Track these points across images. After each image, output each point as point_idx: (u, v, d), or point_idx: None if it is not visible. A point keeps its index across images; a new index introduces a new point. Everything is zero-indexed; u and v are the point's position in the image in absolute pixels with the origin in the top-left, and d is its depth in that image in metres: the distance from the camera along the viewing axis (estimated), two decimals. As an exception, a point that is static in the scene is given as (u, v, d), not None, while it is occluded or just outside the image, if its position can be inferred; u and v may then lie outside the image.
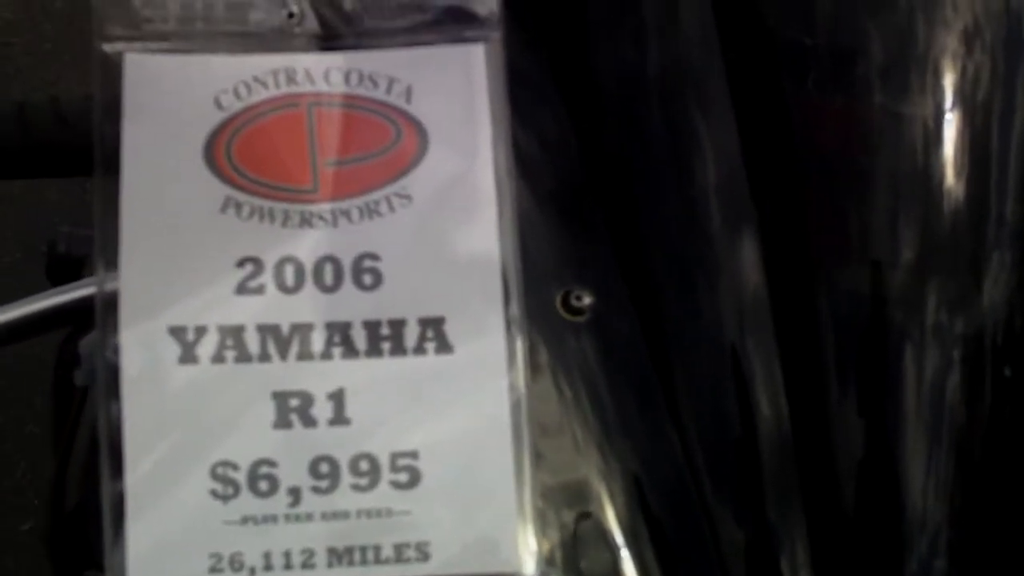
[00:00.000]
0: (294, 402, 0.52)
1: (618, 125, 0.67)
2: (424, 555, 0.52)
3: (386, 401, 0.53)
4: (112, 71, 0.53)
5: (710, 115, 0.66)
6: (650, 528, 0.61)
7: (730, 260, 0.64)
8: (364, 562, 0.52)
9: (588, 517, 0.60)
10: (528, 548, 0.52)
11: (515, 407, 0.54)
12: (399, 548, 0.52)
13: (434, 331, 0.54)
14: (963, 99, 0.67)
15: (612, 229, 0.66)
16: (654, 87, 0.67)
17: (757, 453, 0.63)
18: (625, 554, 0.60)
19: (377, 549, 0.52)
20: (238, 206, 0.53)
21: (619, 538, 0.60)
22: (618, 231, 0.66)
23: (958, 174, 0.66)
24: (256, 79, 0.55)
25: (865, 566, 0.62)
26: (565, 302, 0.63)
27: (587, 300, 0.63)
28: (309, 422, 0.52)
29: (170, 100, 0.54)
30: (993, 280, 0.65)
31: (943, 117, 0.66)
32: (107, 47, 0.54)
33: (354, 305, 0.54)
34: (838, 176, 0.66)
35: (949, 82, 0.67)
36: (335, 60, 0.55)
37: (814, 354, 0.64)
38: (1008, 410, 0.65)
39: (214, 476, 0.51)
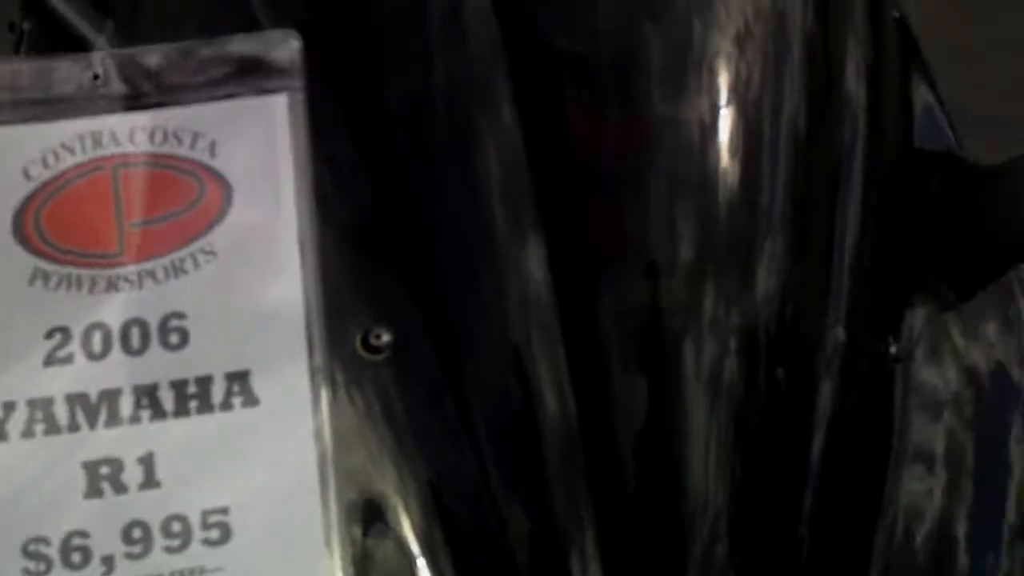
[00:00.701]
0: (104, 470, 0.53)
1: (406, 156, 0.68)
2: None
3: (195, 460, 0.54)
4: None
5: (497, 134, 0.67)
6: (445, 533, 0.62)
7: (517, 272, 0.66)
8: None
9: (388, 534, 0.61)
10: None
11: (321, 456, 0.54)
12: (213, 605, 0.53)
13: (240, 385, 0.54)
14: (735, 100, 0.69)
15: (405, 263, 0.67)
16: (440, 114, 0.68)
17: (544, 451, 0.65)
18: (422, 563, 0.61)
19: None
20: (46, 277, 0.54)
21: (415, 548, 0.61)
22: (411, 262, 0.67)
23: (731, 172, 0.68)
24: (63, 145, 0.55)
25: (650, 553, 0.64)
26: (365, 342, 0.64)
27: (385, 338, 0.64)
28: (120, 488, 0.53)
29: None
30: (767, 270, 0.67)
31: (717, 119, 0.68)
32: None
33: (161, 366, 0.54)
34: (618, 181, 0.67)
35: (722, 84, 0.68)
36: (140, 119, 0.55)
37: (599, 353, 0.65)
38: (784, 397, 0.68)
39: (26, 554, 0.52)
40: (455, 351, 0.66)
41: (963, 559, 0.75)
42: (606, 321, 0.66)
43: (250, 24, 0.66)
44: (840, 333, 0.70)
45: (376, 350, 0.65)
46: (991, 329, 0.81)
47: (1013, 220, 0.75)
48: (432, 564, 0.63)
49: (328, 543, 0.53)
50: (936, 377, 0.77)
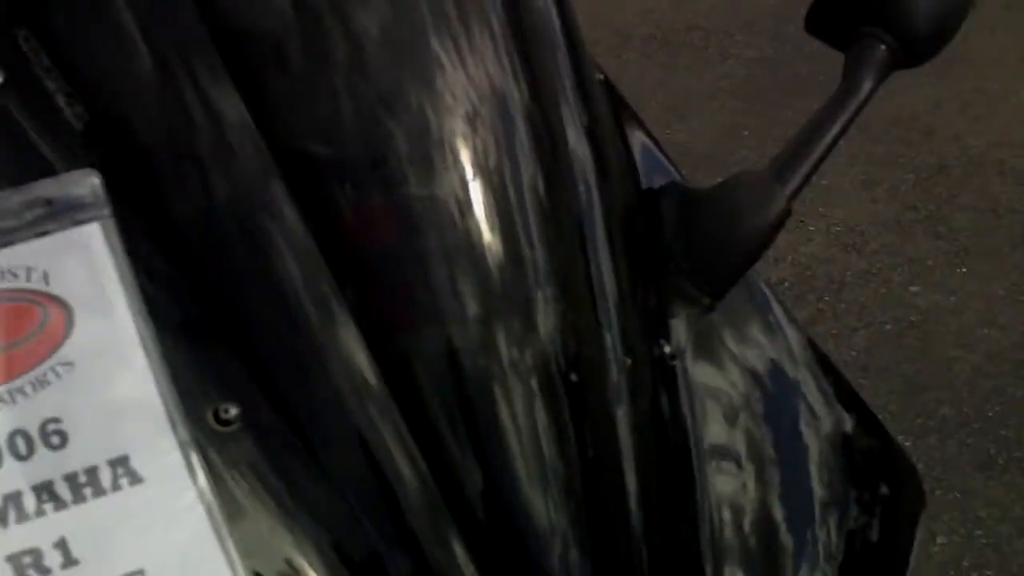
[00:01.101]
0: (27, 559, 0.61)
1: (213, 263, 0.79)
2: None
3: (103, 535, 0.63)
4: None
5: (286, 234, 0.78)
6: None
7: (334, 347, 0.76)
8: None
9: None
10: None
11: (209, 512, 0.64)
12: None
13: (123, 468, 0.64)
14: (479, 174, 0.81)
15: (237, 350, 0.77)
16: (232, 223, 0.79)
17: (403, 501, 0.75)
18: None
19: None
20: None
21: None
22: (241, 349, 0.77)
23: (491, 236, 0.80)
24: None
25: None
26: (216, 416, 0.75)
27: (234, 412, 0.75)
28: (45, 571, 0.61)
29: None
30: (544, 312, 0.80)
31: (467, 192, 0.81)
32: None
33: (50, 465, 0.63)
34: (399, 258, 0.79)
35: (465, 161, 0.81)
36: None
37: (424, 409, 0.76)
38: (589, 414, 0.80)
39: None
40: (298, 422, 0.76)
41: (785, 538, 0.88)
42: (421, 378, 0.76)
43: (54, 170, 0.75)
44: (619, 348, 0.83)
45: (227, 423, 0.75)
46: (758, 333, 0.97)
47: (733, 233, 0.93)
48: None
49: None
50: (720, 379, 0.91)
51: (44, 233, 0.66)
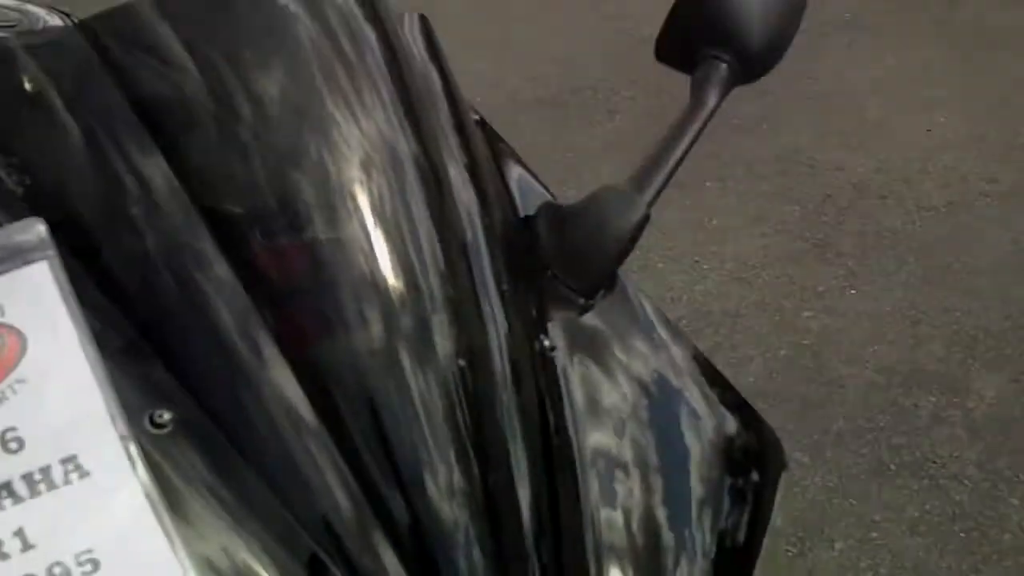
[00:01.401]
0: (-11, 547, 0.73)
1: (149, 302, 0.91)
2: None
3: (57, 523, 0.75)
4: None
5: (213, 280, 0.90)
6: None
7: (259, 362, 0.89)
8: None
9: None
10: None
11: (149, 498, 0.76)
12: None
13: (73, 465, 0.76)
14: (377, 215, 0.95)
15: (171, 367, 0.89)
16: (165, 270, 0.91)
17: (320, 490, 0.86)
18: None
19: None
20: None
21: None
22: (174, 367, 0.89)
23: (388, 260, 0.94)
24: None
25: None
26: (151, 420, 0.87)
27: (167, 416, 0.87)
28: (5, 557, 0.73)
29: None
30: (436, 321, 0.93)
31: (367, 228, 0.94)
32: None
33: (9, 466, 0.75)
34: (314, 292, 0.91)
35: (364, 204, 0.94)
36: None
37: (336, 408, 0.88)
38: (477, 398, 0.92)
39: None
40: (226, 424, 0.88)
41: (667, 536, 0.98)
42: (332, 382, 0.88)
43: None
44: (503, 340, 0.95)
45: (161, 426, 0.87)
46: (642, 344, 1.08)
47: (600, 239, 1.07)
48: None
49: (181, 564, 0.76)
50: (604, 385, 1.03)
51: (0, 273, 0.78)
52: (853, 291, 3.15)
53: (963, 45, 4.37)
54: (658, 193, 1.10)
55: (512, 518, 0.89)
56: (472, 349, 0.93)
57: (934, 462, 2.66)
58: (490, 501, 0.89)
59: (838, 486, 2.59)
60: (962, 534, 2.47)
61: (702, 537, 1.00)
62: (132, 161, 0.93)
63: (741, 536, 1.03)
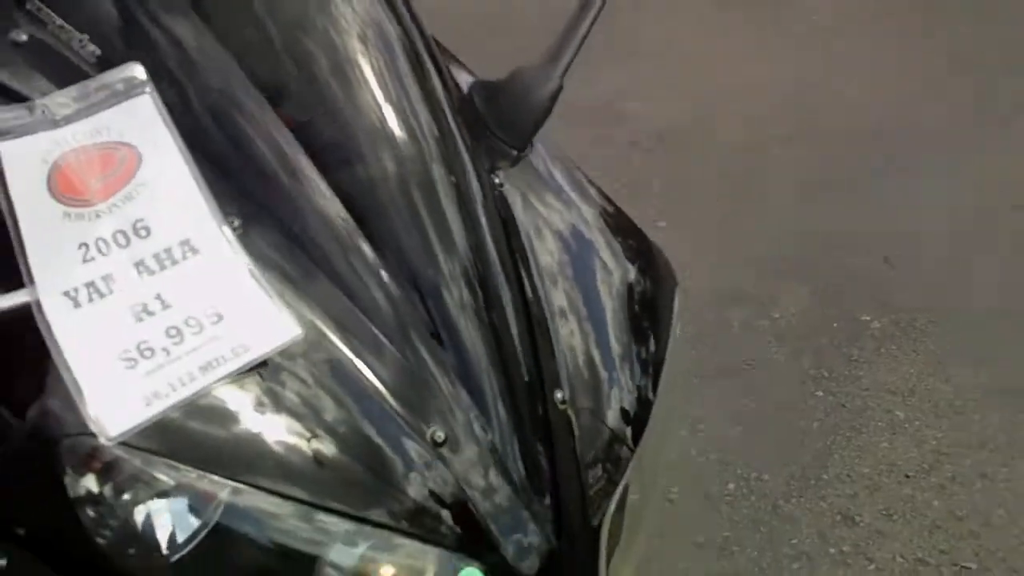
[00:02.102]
0: (138, 308, 0.94)
1: (213, 130, 1.11)
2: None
3: (186, 288, 0.97)
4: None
5: (257, 119, 1.13)
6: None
7: (303, 177, 1.11)
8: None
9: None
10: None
11: (249, 268, 0.99)
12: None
13: (188, 246, 0.98)
14: (383, 84, 1.19)
15: (240, 180, 1.09)
16: (216, 108, 1.12)
17: (384, 310, 1.08)
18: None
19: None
20: (68, 215, 0.95)
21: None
22: (243, 181, 1.09)
23: (392, 120, 1.18)
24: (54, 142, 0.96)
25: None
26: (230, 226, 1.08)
27: (237, 222, 1.09)
28: (151, 313, 0.95)
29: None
30: (430, 152, 1.17)
31: (376, 98, 1.18)
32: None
33: (143, 248, 0.97)
34: (344, 141, 1.15)
35: (373, 78, 1.18)
36: (80, 127, 0.97)
37: (365, 212, 1.13)
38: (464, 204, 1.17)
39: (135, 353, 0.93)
40: (285, 226, 1.08)
41: (603, 373, 1.20)
42: (369, 203, 1.11)
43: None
44: (474, 168, 1.18)
45: (234, 229, 1.07)
46: (559, 201, 1.32)
47: (524, 104, 1.31)
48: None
49: (286, 316, 0.99)
50: (539, 211, 1.26)
51: (115, 104, 1.00)
52: (663, 223, 3.47)
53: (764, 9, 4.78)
54: (567, 67, 1.36)
55: (505, 327, 1.13)
56: (456, 174, 1.18)
57: (748, 365, 3.00)
58: (489, 309, 1.12)
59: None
60: (777, 423, 2.82)
61: (626, 343, 1.26)
62: (173, 28, 1.14)
63: (651, 344, 1.29)
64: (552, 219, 1.29)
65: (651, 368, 1.28)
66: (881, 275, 3.35)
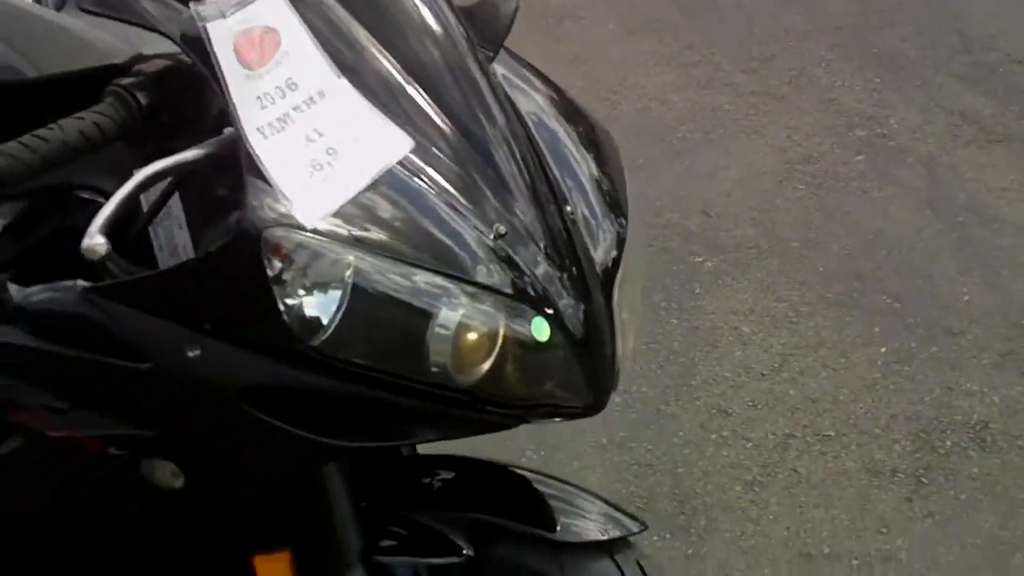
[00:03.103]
0: (300, 138, 1.29)
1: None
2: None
3: (332, 121, 1.31)
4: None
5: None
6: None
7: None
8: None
9: None
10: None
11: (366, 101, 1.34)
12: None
13: (321, 94, 1.32)
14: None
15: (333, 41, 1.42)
16: None
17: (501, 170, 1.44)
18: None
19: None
20: (250, 78, 1.28)
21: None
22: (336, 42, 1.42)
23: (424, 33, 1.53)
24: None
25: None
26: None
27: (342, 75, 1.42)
28: (311, 142, 1.29)
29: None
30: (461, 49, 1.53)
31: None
32: None
33: (294, 98, 1.31)
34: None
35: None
36: (236, 18, 1.30)
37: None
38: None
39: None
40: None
41: (592, 224, 1.47)
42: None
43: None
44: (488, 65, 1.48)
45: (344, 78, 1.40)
46: (529, 88, 1.62)
47: (492, 15, 1.66)
48: None
49: (401, 136, 1.34)
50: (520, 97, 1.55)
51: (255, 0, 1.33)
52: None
53: None
54: None
55: (527, 159, 1.42)
56: (479, 61, 1.52)
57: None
58: (532, 180, 1.40)
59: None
60: (645, 348, 3.24)
61: (594, 195, 1.62)
62: None
63: (616, 194, 1.66)
64: (523, 102, 1.63)
65: (620, 207, 1.61)
66: (705, 224, 3.82)
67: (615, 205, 1.55)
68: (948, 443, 2.94)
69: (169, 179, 1.37)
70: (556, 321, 1.34)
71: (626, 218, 1.55)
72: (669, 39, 5.04)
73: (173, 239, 1.51)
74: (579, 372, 1.37)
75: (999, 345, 3.25)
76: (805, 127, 4.31)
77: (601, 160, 1.59)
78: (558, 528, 1.54)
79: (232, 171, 1.29)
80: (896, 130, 4.31)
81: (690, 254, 3.66)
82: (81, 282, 1.33)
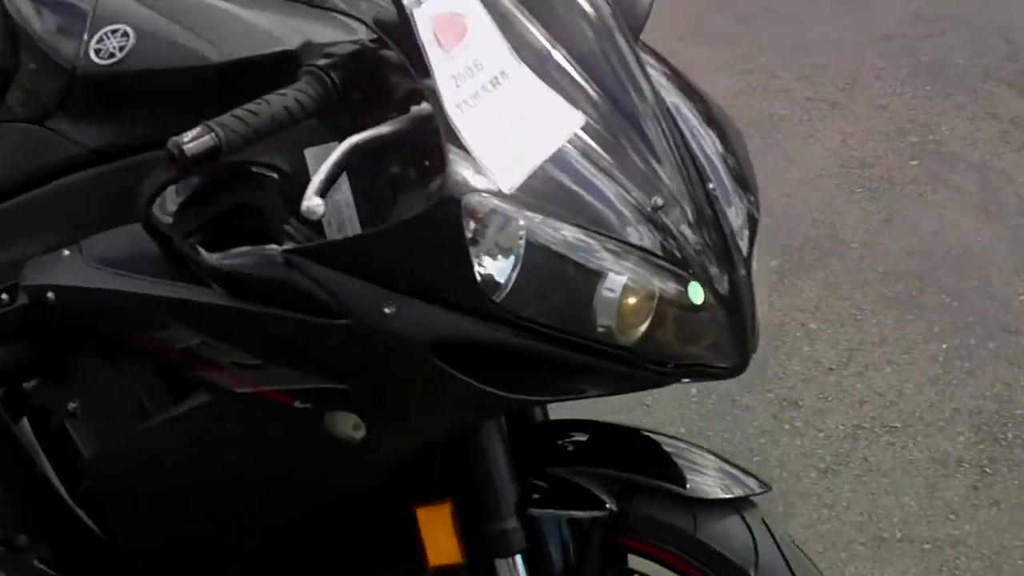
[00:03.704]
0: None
1: None
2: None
3: (515, 99, 1.43)
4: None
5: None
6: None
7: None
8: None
9: None
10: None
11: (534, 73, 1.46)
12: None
13: (503, 74, 1.45)
14: None
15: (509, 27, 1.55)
16: None
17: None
18: None
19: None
20: (445, 56, 1.40)
21: None
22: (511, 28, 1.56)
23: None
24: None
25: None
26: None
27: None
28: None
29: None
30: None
31: None
32: None
33: (482, 78, 1.43)
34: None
35: None
36: (428, 4, 1.42)
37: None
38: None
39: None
40: None
41: (726, 199, 1.56)
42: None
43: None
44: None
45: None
46: (655, 64, 1.70)
47: (630, 14, 1.69)
48: None
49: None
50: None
51: (442, -12, 1.45)
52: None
53: None
54: None
55: (672, 137, 1.54)
56: (631, 46, 1.63)
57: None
58: (680, 154, 1.53)
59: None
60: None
61: (724, 171, 1.66)
62: None
63: (743, 172, 1.74)
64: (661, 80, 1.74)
65: (748, 185, 1.67)
66: (767, 225, 3.93)
67: (743, 183, 1.65)
68: (1010, 435, 3.04)
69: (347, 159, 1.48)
70: (708, 286, 1.46)
71: (755, 196, 1.65)
72: (721, 48, 5.16)
73: (340, 213, 1.62)
74: (728, 335, 1.49)
75: (1055, 343, 3.35)
76: (859, 132, 4.43)
77: (725, 139, 1.68)
78: (688, 486, 1.66)
79: (402, 150, 1.42)
80: (948, 136, 4.40)
81: (755, 254, 3.76)
82: (275, 247, 1.45)
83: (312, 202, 1.33)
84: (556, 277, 1.40)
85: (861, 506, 2.81)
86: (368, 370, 1.44)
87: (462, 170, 1.35)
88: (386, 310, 1.38)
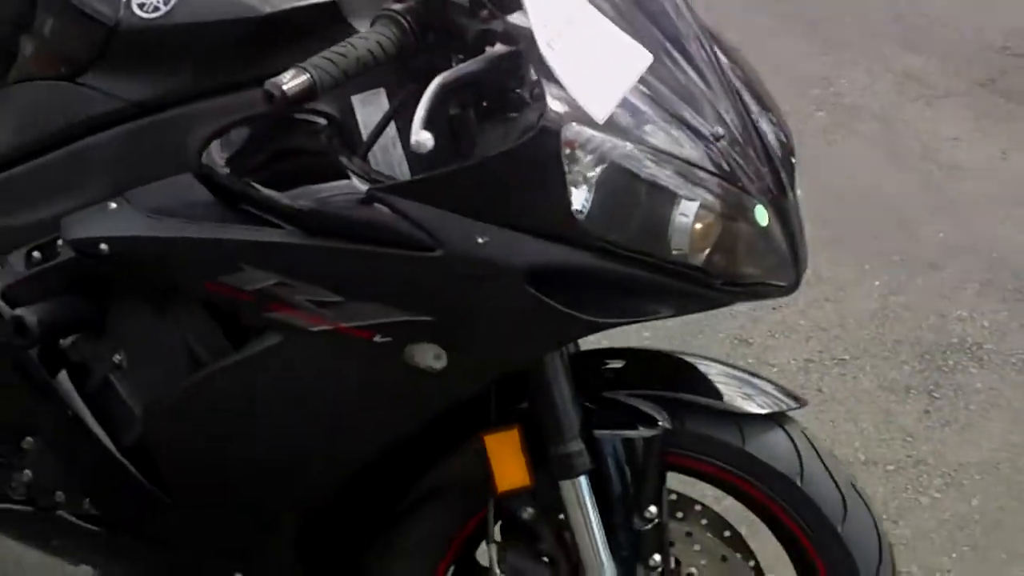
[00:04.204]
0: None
1: None
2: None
3: (592, 42, 1.49)
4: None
5: None
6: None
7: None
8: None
9: None
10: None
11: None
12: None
13: (578, 22, 1.51)
14: None
15: None
16: None
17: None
18: None
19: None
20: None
21: None
22: None
23: None
24: None
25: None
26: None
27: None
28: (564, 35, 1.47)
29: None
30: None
31: None
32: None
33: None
34: None
35: None
36: None
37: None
38: None
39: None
40: None
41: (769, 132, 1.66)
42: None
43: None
44: None
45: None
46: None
47: None
48: None
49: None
50: None
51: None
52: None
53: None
54: None
55: (725, 85, 1.62)
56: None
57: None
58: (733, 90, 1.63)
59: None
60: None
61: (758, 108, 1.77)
62: None
63: (773, 109, 1.83)
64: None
65: (780, 121, 1.74)
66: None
67: (773, 112, 1.72)
68: (951, 362, 3.21)
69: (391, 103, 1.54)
70: (771, 205, 1.55)
71: (784, 129, 1.73)
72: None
73: (388, 155, 1.67)
74: (788, 254, 1.58)
75: (978, 275, 3.53)
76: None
77: (750, 79, 1.76)
78: (732, 402, 1.74)
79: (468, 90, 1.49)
80: (847, 88, 4.58)
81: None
82: (358, 183, 1.49)
83: (421, 136, 1.37)
84: (638, 202, 1.47)
85: (824, 433, 2.93)
86: (457, 300, 1.48)
87: (556, 103, 1.41)
88: (479, 240, 1.43)
